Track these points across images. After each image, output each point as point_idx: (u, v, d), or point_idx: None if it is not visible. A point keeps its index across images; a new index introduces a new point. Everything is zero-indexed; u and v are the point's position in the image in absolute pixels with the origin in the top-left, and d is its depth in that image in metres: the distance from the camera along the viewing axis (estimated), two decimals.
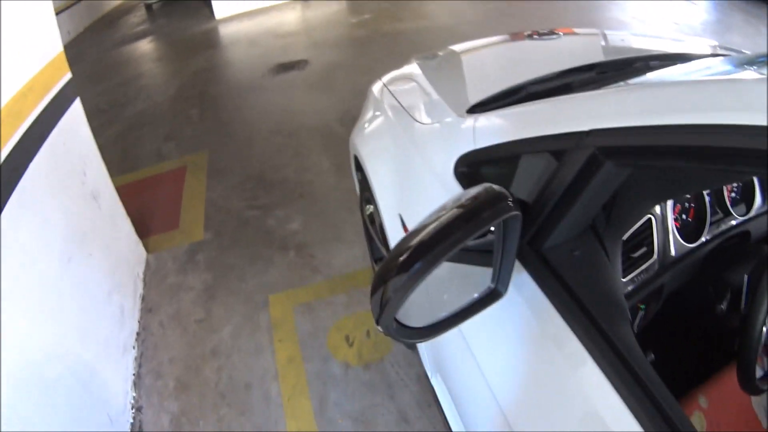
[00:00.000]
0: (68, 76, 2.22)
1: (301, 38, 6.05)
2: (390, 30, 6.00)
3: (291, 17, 7.07)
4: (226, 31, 6.77)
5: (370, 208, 2.35)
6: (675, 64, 1.92)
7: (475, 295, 1.09)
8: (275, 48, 5.72)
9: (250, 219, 2.86)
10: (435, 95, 2.07)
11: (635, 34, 3.41)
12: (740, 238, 1.63)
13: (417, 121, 1.96)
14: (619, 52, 2.54)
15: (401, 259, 0.91)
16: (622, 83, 1.73)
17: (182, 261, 2.63)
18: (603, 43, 2.81)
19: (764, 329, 1.27)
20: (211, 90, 4.77)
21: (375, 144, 2.21)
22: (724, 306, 1.51)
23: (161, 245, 2.74)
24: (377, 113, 2.31)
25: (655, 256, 1.43)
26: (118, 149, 3.83)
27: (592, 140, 1.00)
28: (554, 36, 2.58)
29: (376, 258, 2.43)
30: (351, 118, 3.82)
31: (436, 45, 5.62)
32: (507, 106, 1.64)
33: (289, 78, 4.80)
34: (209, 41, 6.50)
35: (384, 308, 0.91)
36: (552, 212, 1.09)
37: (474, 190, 0.98)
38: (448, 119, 1.80)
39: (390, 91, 2.30)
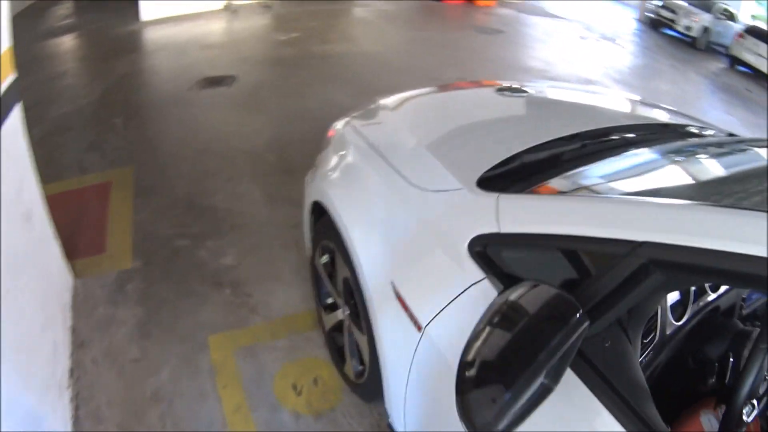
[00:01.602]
0: (13, 76, 2.04)
1: (228, 51, 6.04)
2: (318, 52, 6.13)
3: (218, 28, 7.04)
4: (152, 35, 6.62)
5: (325, 257, 2.28)
6: (667, 136, 2.14)
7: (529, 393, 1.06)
8: (202, 59, 5.68)
9: (180, 249, 2.80)
10: (428, 155, 1.96)
11: (597, 92, 3.60)
12: (711, 313, 1.72)
13: (412, 184, 1.85)
14: (605, 116, 2.55)
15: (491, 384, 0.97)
16: (672, 199, 1.55)
17: (111, 290, 2.53)
18: (578, 101, 2.79)
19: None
20: (136, 98, 4.67)
21: (353, 198, 2.06)
22: (713, 380, 1.59)
23: (88, 270, 2.61)
24: (350, 159, 2.19)
25: (657, 337, 1.52)
26: (41, 155, 3.46)
27: (646, 251, 1.05)
28: (524, 93, 2.56)
29: (324, 305, 2.38)
30: (282, 145, 3.90)
31: (367, 72, 5.75)
32: (524, 184, 1.66)
33: (217, 94, 4.77)
34: (135, 44, 6.34)
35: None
36: (593, 309, 1.12)
37: (540, 295, 1.05)
38: (456, 190, 1.72)
39: (365, 138, 2.20)
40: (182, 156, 3.64)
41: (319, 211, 2.25)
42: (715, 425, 1.38)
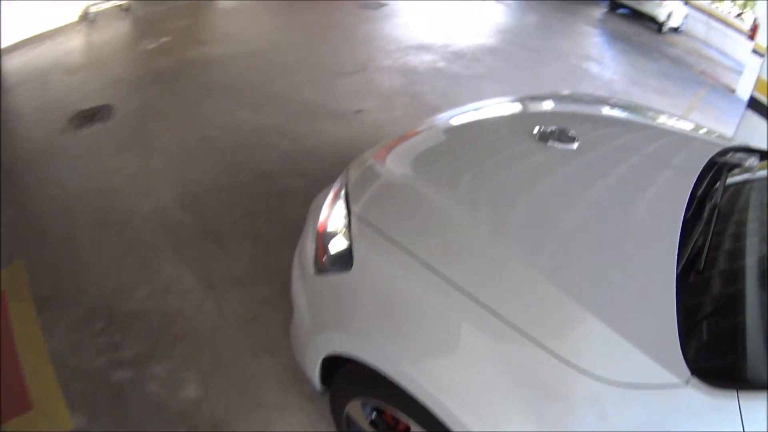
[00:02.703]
0: None
1: (97, 73, 5.14)
2: (197, 57, 5.47)
3: (79, 44, 6.04)
4: (11, 64, 5.44)
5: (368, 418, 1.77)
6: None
7: None
8: (70, 88, 4.78)
9: (123, 385, 2.20)
10: (561, 296, 1.42)
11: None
12: None
13: (572, 365, 1.28)
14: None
15: None
16: None
17: None
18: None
19: None
20: (2, 155, 3.76)
21: (445, 371, 1.43)
22: None
23: None
24: (388, 287, 1.59)
25: None
26: None
27: None
28: (572, 141, 2.18)
29: None
30: (194, 197, 3.32)
31: (258, 76, 5.32)
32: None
33: (96, 133, 4.01)
34: None
35: None
36: None
37: None
38: (668, 389, 1.23)
39: (402, 245, 1.60)
40: (78, 239, 2.95)
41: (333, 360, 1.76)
42: None
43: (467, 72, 6.58)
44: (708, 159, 2.31)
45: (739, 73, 13.27)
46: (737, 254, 1.74)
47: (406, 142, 2.26)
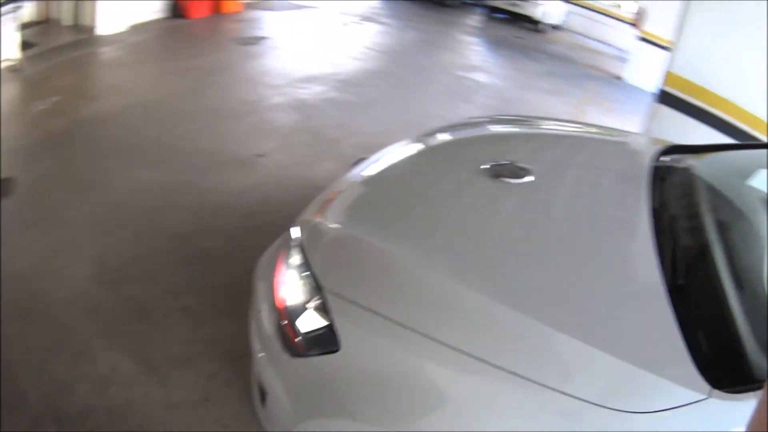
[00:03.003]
0: None
1: None
2: (90, 115, 5.30)
3: None
4: None
5: None
6: None
7: None
8: None
9: None
10: (574, 341, 1.43)
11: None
12: None
13: (591, 402, 1.29)
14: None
15: None
16: None
17: None
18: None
19: None
20: None
21: None
22: None
23: None
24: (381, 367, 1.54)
25: None
26: None
27: None
28: (526, 174, 2.21)
29: None
30: (111, 271, 3.22)
31: (156, 131, 5.25)
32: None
33: None
34: None
35: None
36: None
37: None
38: (690, 405, 1.26)
39: (381, 313, 1.58)
40: (2, 334, 2.68)
41: None
42: None
43: (359, 99, 6.82)
44: (651, 165, 2.40)
45: (623, 60, 14.30)
46: (712, 257, 1.77)
47: (350, 197, 2.24)
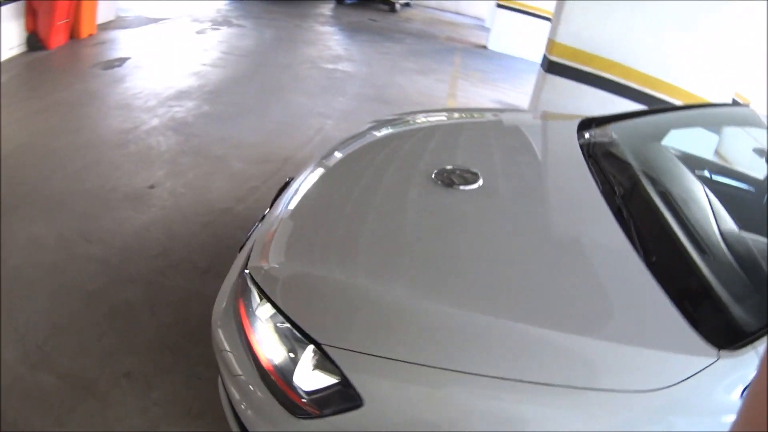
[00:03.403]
0: None
1: None
2: None
3: None
4: None
5: None
6: None
7: None
8: None
9: None
10: (585, 339, 1.50)
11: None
12: None
13: (616, 389, 1.37)
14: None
15: None
16: None
17: None
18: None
19: None
20: None
21: None
22: None
23: None
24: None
25: None
26: None
27: None
28: (476, 178, 2.19)
29: None
30: (37, 346, 3.00)
31: (34, 173, 5.06)
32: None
33: None
34: None
35: None
36: None
37: None
38: (702, 368, 1.35)
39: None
40: None
41: None
42: None
43: (234, 109, 6.75)
44: (580, 145, 2.50)
45: (481, 28, 14.85)
46: (670, 225, 1.88)
47: (298, 232, 2.10)
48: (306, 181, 2.46)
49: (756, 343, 1.40)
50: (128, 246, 3.98)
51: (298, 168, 5.35)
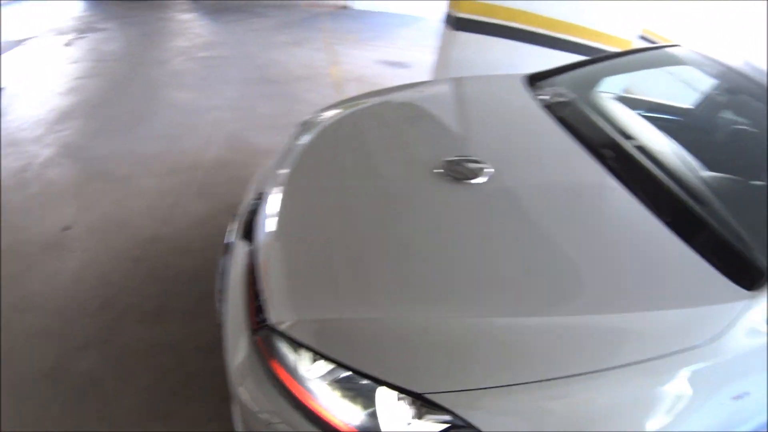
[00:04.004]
0: None
1: None
2: None
3: None
4: None
5: None
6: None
7: None
8: None
9: None
10: (629, 315, 1.51)
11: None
12: None
13: (680, 350, 1.43)
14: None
15: None
16: None
17: None
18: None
19: None
20: None
21: None
22: None
23: None
24: None
25: None
26: None
27: None
28: (484, 169, 2.06)
29: None
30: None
31: None
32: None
33: None
34: None
35: None
36: None
37: None
38: (740, 312, 1.45)
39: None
40: None
41: None
42: None
43: (122, 120, 6.47)
44: (542, 107, 2.49)
45: None
46: (657, 174, 1.93)
47: (313, 267, 1.84)
48: (283, 203, 2.18)
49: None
50: (65, 306, 3.62)
51: (210, 173, 5.46)
